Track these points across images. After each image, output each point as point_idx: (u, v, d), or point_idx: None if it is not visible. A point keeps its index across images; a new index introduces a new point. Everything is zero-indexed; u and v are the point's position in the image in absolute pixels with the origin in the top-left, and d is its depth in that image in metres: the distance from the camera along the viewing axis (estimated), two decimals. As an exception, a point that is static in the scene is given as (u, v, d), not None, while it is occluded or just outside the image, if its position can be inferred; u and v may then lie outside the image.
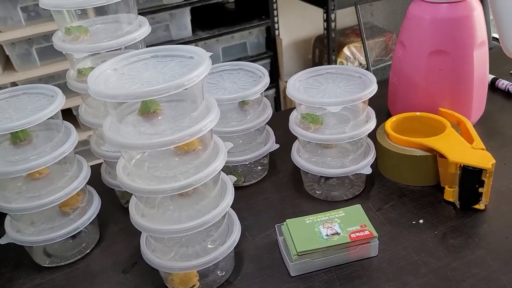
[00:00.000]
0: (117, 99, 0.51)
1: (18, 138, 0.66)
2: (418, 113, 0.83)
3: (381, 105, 0.95)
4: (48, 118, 0.63)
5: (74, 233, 0.70)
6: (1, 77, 1.75)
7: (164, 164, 0.59)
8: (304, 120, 0.75)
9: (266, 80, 0.79)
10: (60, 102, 0.65)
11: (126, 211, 0.81)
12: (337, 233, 0.66)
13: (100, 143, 0.77)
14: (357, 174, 0.79)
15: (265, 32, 2.19)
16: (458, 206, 0.72)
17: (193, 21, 2.02)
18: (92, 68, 0.71)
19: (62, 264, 0.72)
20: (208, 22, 2.12)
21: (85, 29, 0.69)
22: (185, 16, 1.99)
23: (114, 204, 0.83)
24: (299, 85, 0.76)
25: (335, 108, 0.69)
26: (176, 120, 0.57)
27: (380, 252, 0.67)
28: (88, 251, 0.74)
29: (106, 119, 0.57)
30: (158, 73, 0.56)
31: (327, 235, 0.66)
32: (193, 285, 0.64)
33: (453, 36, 0.80)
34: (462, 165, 0.69)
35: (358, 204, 0.71)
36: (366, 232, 0.65)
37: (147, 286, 0.66)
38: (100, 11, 0.69)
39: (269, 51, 2.22)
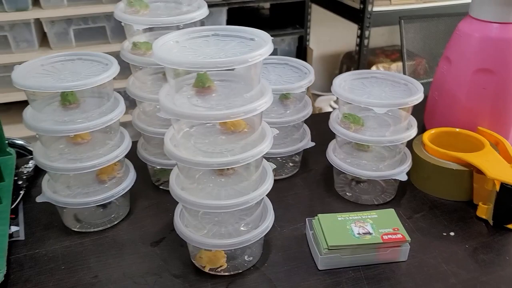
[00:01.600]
0: (181, 67, 0.52)
1: (67, 100, 0.67)
2: (457, 129, 0.83)
3: (416, 120, 0.95)
4: (101, 85, 0.65)
5: (108, 201, 0.71)
6: (36, 52, 1.79)
7: (211, 141, 0.60)
8: (345, 119, 0.75)
9: (312, 76, 0.80)
10: (115, 70, 0.66)
11: (156, 188, 0.83)
12: (369, 233, 0.66)
13: (142, 118, 0.79)
14: (389, 181, 0.79)
15: (297, 41, 2.22)
16: (491, 224, 0.72)
17: (228, 22, 2.05)
18: (147, 42, 0.73)
19: (91, 230, 0.73)
20: (243, 24, 2.14)
21: (145, 4, 0.71)
22: (222, 16, 2.01)
23: (145, 181, 0.84)
24: (345, 85, 0.77)
25: (380, 109, 0.70)
26: (229, 98, 0.58)
27: (409, 258, 0.67)
28: (117, 222, 0.75)
29: (162, 88, 0.58)
30: (219, 50, 0.57)
31: (359, 233, 0.66)
32: (220, 266, 0.65)
33: (502, 56, 0.80)
34: (500, 183, 0.69)
35: (392, 209, 0.71)
36: (399, 236, 0.65)
37: (174, 261, 0.67)
38: (162, -12, 0.71)
39: (299, 61, 2.23)
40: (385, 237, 0.65)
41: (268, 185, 0.62)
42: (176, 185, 0.62)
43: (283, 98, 0.82)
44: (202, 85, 0.58)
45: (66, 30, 1.79)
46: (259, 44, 0.57)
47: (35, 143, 0.70)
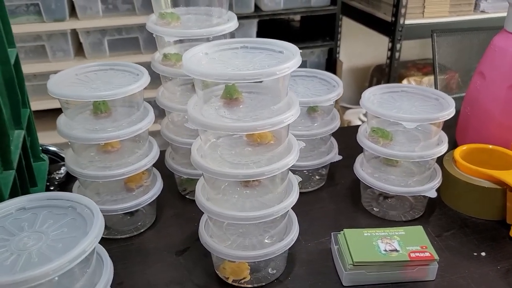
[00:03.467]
0: (209, 78, 0.52)
1: (99, 109, 0.69)
2: (490, 146, 0.81)
3: (448, 136, 0.93)
4: (131, 95, 0.66)
5: (135, 208, 0.72)
6: (71, 62, 1.85)
7: (237, 152, 0.61)
8: (373, 134, 0.74)
9: (340, 89, 0.79)
10: (145, 80, 0.67)
11: (182, 198, 0.84)
12: (396, 250, 0.64)
13: (170, 128, 0.80)
14: (418, 197, 0.78)
15: (326, 53, 2.21)
16: (525, 245, 0.69)
17: (258, 33, 2.06)
18: (178, 54, 0.74)
19: (118, 237, 0.74)
20: (273, 36, 2.15)
21: (177, 16, 0.72)
22: (252, 28, 2.03)
23: (172, 190, 0.84)
24: (374, 99, 0.76)
25: (410, 124, 0.69)
26: (256, 110, 0.58)
27: (438, 278, 0.65)
28: (143, 229, 0.76)
29: (191, 99, 0.59)
30: (247, 62, 0.57)
31: (385, 250, 0.64)
32: (244, 277, 0.65)
33: (538, 71, 0.78)
34: (535, 202, 0.67)
35: (420, 226, 0.69)
36: (427, 254, 0.63)
37: (198, 271, 0.67)
38: (194, 1, 0.72)
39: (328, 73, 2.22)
40: (413, 254, 0.63)
41: (293, 198, 0.62)
42: (202, 195, 0.62)
43: (311, 110, 0.82)
44: (230, 96, 0.58)
45: (100, 40, 1.85)
46: (287, 57, 0.57)
47: (67, 150, 0.72)
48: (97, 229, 0.46)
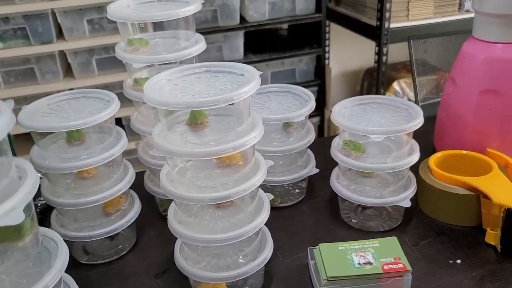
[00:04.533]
0: (168, 107, 0.53)
1: (72, 137, 0.70)
2: (464, 152, 0.82)
3: (427, 141, 0.94)
4: (102, 122, 0.67)
5: (114, 233, 0.73)
6: (61, 83, 1.86)
7: (206, 175, 0.61)
8: (346, 147, 0.75)
9: (312, 104, 0.80)
10: (115, 107, 0.68)
11: (163, 218, 0.84)
12: (370, 263, 0.65)
13: (146, 150, 0.81)
14: (395, 206, 0.78)
15: (315, 60, 2.22)
16: (499, 250, 0.70)
17: (245, 44, 2.08)
18: (148, 78, 0.75)
19: (99, 262, 0.75)
20: (260, 46, 2.17)
21: (145, 41, 0.73)
22: (239, 39, 2.05)
23: (152, 211, 0.85)
24: (344, 112, 0.77)
25: (378, 137, 0.69)
26: (221, 133, 0.59)
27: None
28: (124, 253, 0.76)
29: (156, 126, 0.60)
30: (209, 87, 0.58)
31: (359, 263, 0.65)
32: (221, 298, 0.65)
33: (507, 76, 0.79)
34: (506, 208, 0.67)
35: (394, 237, 0.70)
36: (400, 265, 0.64)
37: (176, 293, 0.68)
38: (161, 26, 0.73)
39: (317, 79, 2.24)
40: (386, 267, 0.64)
41: (264, 216, 0.63)
42: (174, 220, 0.63)
43: (286, 126, 0.83)
44: (194, 121, 0.60)
45: (88, 60, 1.86)
46: (247, 79, 0.58)
47: (43, 180, 0.73)
48: (60, 263, 0.47)
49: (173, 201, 0.65)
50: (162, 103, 0.53)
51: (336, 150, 0.76)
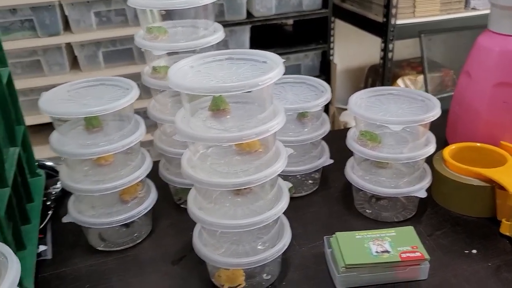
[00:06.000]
0: (194, 92, 0.54)
1: (91, 124, 0.70)
2: (478, 144, 0.82)
3: (438, 135, 0.94)
4: (122, 109, 0.68)
5: (130, 220, 0.73)
6: (67, 75, 1.86)
7: (226, 162, 0.62)
8: (362, 137, 0.75)
9: (328, 95, 0.81)
10: (134, 94, 0.69)
11: (178, 207, 0.85)
12: (387, 251, 0.65)
13: (162, 139, 0.81)
14: (409, 197, 0.79)
15: (320, 56, 2.22)
16: (515, 241, 0.70)
17: (251, 39, 2.08)
18: (166, 66, 0.75)
19: (115, 249, 0.75)
20: (266, 41, 2.17)
21: (164, 30, 0.73)
22: (245, 34, 2.05)
23: (167, 200, 0.86)
24: (361, 102, 0.77)
25: (396, 127, 0.70)
26: (242, 120, 0.60)
27: (429, 277, 0.66)
28: (139, 240, 0.77)
29: (179, 112, 0.60)
30: (232, 73, 0.59)
31: (376, 252, 0.65)
32: (239, 284, 0.66)
33: (522, 69, 0.79)
34: (523, 199, 0.68)
35: (410, 226, 0.70)
36: (417, 254, 0.64)
37: (194, 280, 0.68)
38: (180, 14, 0.74)
39: (322, 75, 2.24)
40: (404, 255, 0.64)
41: (283, 203, 0.63)
42: (194, 205, 0.63)
43: (300, 116, 0.83)
44: (217, 108, 0.60)
45: (95, 53, 1.86)
46: (270, 66, 0.59)
47: (62, 166, 0.74)
48: (9, 282, 0.44)
49: (193, 188, 0.65)
50: (188, 88, 0.54)
51: (352, 140, 0.77)
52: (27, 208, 0.75)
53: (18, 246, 0.68)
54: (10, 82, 0.78)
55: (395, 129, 0.70)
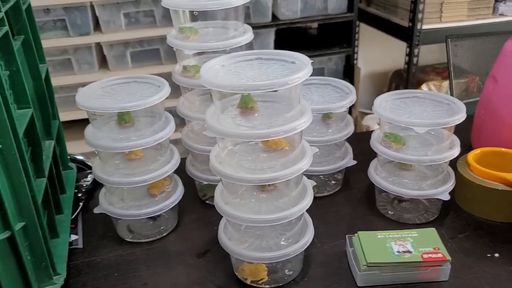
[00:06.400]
0: (225, 89, 0.56)
1: (123, 119, 0.73)
2: (503, 149, 0.82)
3: (463, 139, 0.94)
4: (153, 106, 0.70)
5: (158, 213, 0.76)
6: (96, 74, 1.91)
7: (253, 158, 0.64)
8: (386, 139, 0.76)
9: (353, 96, 0.82)
10: (166, 91, 0.71)
11: (203, 203, 0.87)
12: (409, 251, 0.66)
13: (190, 136, 0.83)
14: (432, 200, 0.79)
15: (344, 60, 2.22)
16: (539, 246, 0.70)
17: (276, 42, 2.10)
18: (196, 65, 0.78)
19: (142, 241, 0.78)
20: (290, 44, 2.18)
21: (195, 30, 0.76)
22: (270, 36, 2.07)
23: (192, 196, 0.88)
24: (385, 105, 0.78)
25: (421, 129, 0.70)
26: (270, 118, 0.61)
27: (451, 278, 0.66)
28: (165, 233, 0.79)
29: (209, 109, 0.63)
30: (261, 73, 0.61)
31: (398, 251, 0.66)
32: (261, 279, 0.67)
33: (550, 75, 0.79)
34: (548, 204, 0.68)
35: (433, 228, 0.71)
36: (439, 255, 0.65)
37: (218, 273, 0.70)
38: (211, 15, 0.76)
39: (346, 79, 2.23)
40: (425, 255, 0.65)
41: (307, 201, 0.65)
42: (221, 200, 0.65)
43: (325, 117, 0.85)
44: (245, 105, 0.62)
45: (123, 52, 1.91)
46: (299, 67, 0.60)
47: (94, 159, 0.77)
48: None
49: (220, 183, 0.67)
50: (219, 86, 0.56)
51: (376, 141, 0.78)
52: (60, 199, 0.78)
53: (52, 234, 0.71)
54: (47, 78, 0.82)
55: (419, 131, 0.71)
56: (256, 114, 0.62)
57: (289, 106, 0.62)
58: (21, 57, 0.70)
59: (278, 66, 0.62)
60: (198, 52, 0.77)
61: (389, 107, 0.78)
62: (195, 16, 0.75)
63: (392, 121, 0.73)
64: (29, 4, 0.76)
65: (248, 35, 0.75)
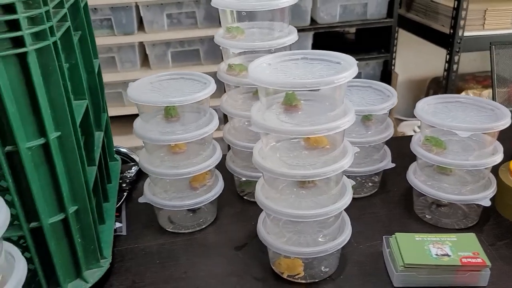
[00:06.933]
0: (273, 86, 0.58)
1: (170, 114, 0.76)
2: (548, 157, 0.81)
3: (506, 146, 0.93)
4: (199, 101, 0.73)
5: (199, 205, 0.79)
6: (137, 72, 1.97)
7: (295, 155, 0.65)
8: (427, 142, 0.77)
9: (394, 99, 0.82)
10: (212, 88, 0.74)
11: (241, 198, 0.89)
12: (447, 255, 0.66)
13: (232, 133, 0.86)
14: (471, 206, 0.79)
15: (381, 65, 2.21)
16: None
17: (314, 46, 2.11)
18: (241, 64, 0.80)
19: (183, 232, 0.81)
20: (328, 48, 2.18)
21: (242, 30, 0.79)
22: (308, 40, 2.08)
23: (231, 191, 0.90)
24: (428, 108, 0.78)
25: (464, 133, 0.70)
26: (313, 116, 0.63)
27: (489, 285, 0.66)
28: (205, 226, 0.82)
29: (254, 105, 0.65)
30: (307, 72, 0.62)
31: (436, 254, 0.66)
32: (298, 273, 0.69)
33: None
34: None
35: (472, 233, 0.70)
36: (479, 260, 0.65)
37: (255, 265, 0.72)
38: (257, 16, 0.78)
39: (383, 85, 2.22)
40: (464, 260, 0.65)
41: (347, 199, 0.66)
42: (262, 194, 0.67)
43: (365, 119, 0.85)
44: (289, 103, 0.64)
45: (165, 52, 1.97)
46: (344, 67, 0.62)
47: (141, 151, 0.80)
48: (16, 280, 0.44)
49: (261, 177, 0.69)
50: (267, 82, 0.58)
51: (417, 145, 0.78)
52: (107, 188, 0.82)
53: (100, 220, 0.74)
54: (99, 72, 0.87)
55: (463, 136, 0.70)
56: (299, 112, 0.64)
57: (332, 106, 0.63)
58: (78, 52, 0.74)
59: (323, 66, 0.64)
60: (243, 52, 0.80)
61: (431, 111, 0.78)
62: (242, 16, 0.77)
63: (434, 125, 0.73)
64: (86, 2, 0.81)
65: (293, 36, 0.77)
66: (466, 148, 0.76)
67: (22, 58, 0.53)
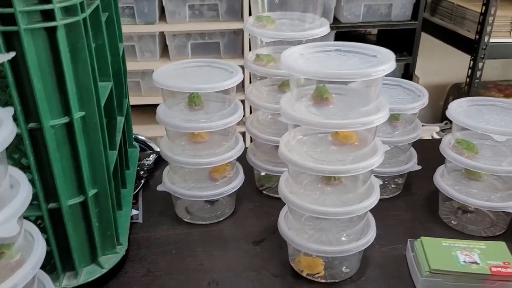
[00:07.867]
0: (307, 75, 0.56)
1: (193, 102, 0.75)
2: None
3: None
4: (224, 90, 0.71)
5: (218, 197, 0.77)
6: (157, 62, 1.96)
7: (322, 150, 0.63)
8: (458, 145, 0.74)
9: (425, 99, 0.80)
10: (239, 77, 0.72)
11: (260, 193, 0.87)
12: (476, 263, 0.63)
13: (255, 125, 0.84)
14: (499, 214, 0.76)
15: (402, 68, 2.18)
16: None
17: (335, 45, 2.08)
18: (269, 55, 0.78)
19: (199, 223, 0.79)
20: (349, 48, 2.16)
21: (272, 20, 0.76)
22: (329, 39, 2.05)
23: (250, 185, 0.88)
24: (460, 110, 0.76)
25: (500, 137, 0.67)
26: (344, 110, 0.61)
27: (518, 296, 0.63)
28: (222, 218, 0.80)
29: (284, 96, 0.63)
30: (341, 64, 0.60)
31: (465, 261, 0.64)
32: (318, 272, 0.67)
33: None
34: None
35: (502, 242, 0.68)
36: (509, 270, 0.62)
37: (273, 261, 0.70)
38: (289, 6, 0.76)
39: (403, 88, 2.19)
40: (494, 269, 0.62)
41: (374, 199, 0.63)
42: (285, 188, 0.65)
43: (392, 119, 0.83)
44: (320, 96, 0.61)
45: (185, 43, 1.95)
46: (381, 61, 0.59)
47: (162, 138, 0.78)
48: (35, 260, 0.43)
49: (285, 172, 0.67)
50: (302, 72, 0.56)
51: (447, 147, 0.75)
52: (125, 174, 0.81)
53: (117, 206, 0.73)
54: (123, 56, 0.85)
55: (499, 140, 0.68)
56: (330, 106, 0.62)
57: (364, 101, 0.61)
58: (105, 33, 0.72)
59: (357, 59, 0.61)
60: (272, 42, 0.78)
61: (464, 113, 0.75)
62: (274, 6, 0.75)
63: (469, 127, 0.70)
64: (114, -16, 0.79)
65: (325, 28, 0.75)
66: (498, 153, 0.74)
67: (51, 33, 0.51)
